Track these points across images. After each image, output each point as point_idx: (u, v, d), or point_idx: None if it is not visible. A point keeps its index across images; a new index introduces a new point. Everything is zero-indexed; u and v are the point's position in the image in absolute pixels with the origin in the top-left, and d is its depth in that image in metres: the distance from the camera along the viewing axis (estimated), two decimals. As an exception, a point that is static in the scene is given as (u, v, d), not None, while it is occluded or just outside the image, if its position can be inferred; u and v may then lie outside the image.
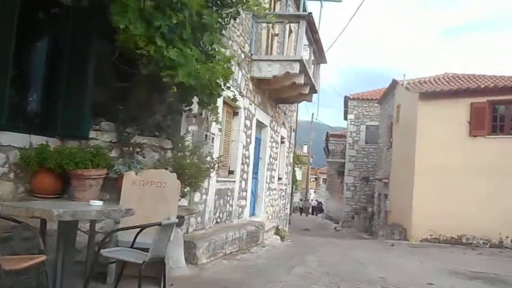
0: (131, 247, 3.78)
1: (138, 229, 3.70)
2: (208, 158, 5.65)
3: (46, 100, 5.06)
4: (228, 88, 5.52)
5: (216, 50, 5.35)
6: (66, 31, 5.04)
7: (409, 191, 12.90)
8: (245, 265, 6.08)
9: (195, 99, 5.49)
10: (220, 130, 6.73)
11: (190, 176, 4.93)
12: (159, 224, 3.36)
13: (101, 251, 3.45)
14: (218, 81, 5.10)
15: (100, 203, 3.61)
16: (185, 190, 5.11)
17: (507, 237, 11.82)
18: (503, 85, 12.53)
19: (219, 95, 5.43)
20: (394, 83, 16.65)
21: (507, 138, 12.06)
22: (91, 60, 5.17)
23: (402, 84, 15.18)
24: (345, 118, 25.37)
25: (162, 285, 3.79)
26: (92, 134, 5.11)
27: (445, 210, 12.05)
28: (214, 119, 6.30)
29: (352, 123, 24.41)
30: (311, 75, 10.45)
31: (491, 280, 6.64)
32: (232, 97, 6.06)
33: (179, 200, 5.02)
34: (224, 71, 5.18)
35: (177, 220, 3.80)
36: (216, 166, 5.50)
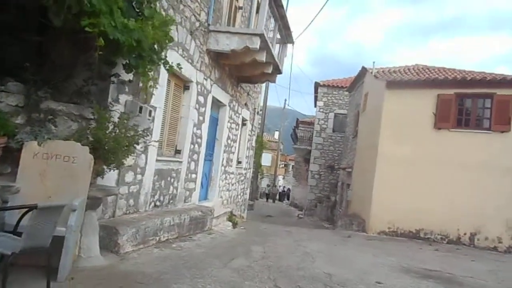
0: (13, 232, 3.05)
1: (24, 212, 2.98)
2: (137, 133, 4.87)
3: None
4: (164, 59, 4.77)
5: (152, 9, 4.57)
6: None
7: (370, 182, 12.57)
8: (178, 255, 5.43)
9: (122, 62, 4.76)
10: (145, 98, 5.86)
11: (108, 151, 4.19)
12: (35, 207, 2.64)
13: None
14: (151, 43, 4.36)
15: (-30, 177, 2.85)
16: (103, 167, 4.37)
17: (465, 234, 11.66)
18: (471, 77, 12.24)
19: (155, 61, 4.69)
20: (364, 71, 16.21)
21: (472, 132, 11.83)
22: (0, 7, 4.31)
23: (371, 72, 14.74)
24: (315, 105, 24.92)
25: (46, 282, 3.07)
26: (-5, 96, 4.27)
27: (405, 203, 11.78)
28: (150, 87, 5.53)
29: (321, 110, 24.00)
30: (274, 54, 9.76)
31: (445, 280, 6.28)
32: (171, 65, 5.23)
33: (94, 178, 4.30)
34: (157, 34, 4.42)
35: (65, 203, 3.07)
36: (141, 139, 4.74)
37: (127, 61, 4.38)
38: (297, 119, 32.16)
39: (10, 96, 4.31)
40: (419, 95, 12.25)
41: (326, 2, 20.22)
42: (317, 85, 24.33)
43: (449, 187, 11.60)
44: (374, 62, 15.01)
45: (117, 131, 4.48)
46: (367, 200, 12.59)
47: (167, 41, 4.71)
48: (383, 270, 6.39)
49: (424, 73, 13.80)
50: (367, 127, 14.63)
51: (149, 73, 4.72)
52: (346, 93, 21.82)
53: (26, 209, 2.92)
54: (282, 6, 9.40)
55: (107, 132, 4.35)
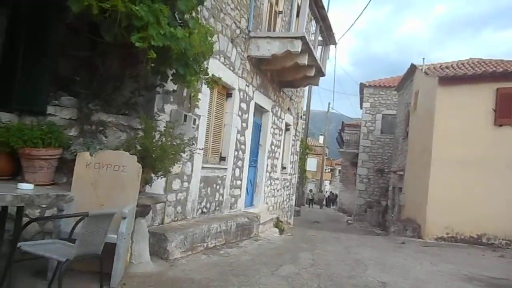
0: (68, 239, 3.18)
1: (78, 220, 3.11)
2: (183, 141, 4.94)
3: (2, 72, 4.49)
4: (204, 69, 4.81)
5: (194, 19, 4.62)
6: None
7: (424, 185, 11.97)
8: (226, 261, 5.43)
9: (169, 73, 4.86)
10: (189, 107, 5.93)
11: (155, 160, 4.28)
12: (86, 215, 2.72)
13: (21, 244, 2.85)
14: (195, 52, 4.41)
15: (29, 186, 3.03)
16: (151, 175, 4.47)
17: (532, 238, 10.81)
18: (533, 68, 11.38)
19: (197, 71, 4.74)
20: (413, 68, 15.57)
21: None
22: (51, 27, 4.57)
23: (421, 69, 14.14)
24: (361, 107, 24.33)
25: (99, 286, 3.16)
26: (51, 109, 4.51)
27: (464, 206, 11.08)
28: (193, 97, 5.62)
29: (368, 112, 23.34)
30: (316, 56, 9.64)
31: (510, 288, 5.83)
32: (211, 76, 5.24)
33: (143, 186, 4.41)
34: (204, 44, 4.48)
35: (115, 211, 3.14)
36: (187, 148, 4.80)
37: (175, 71, 4.42)
38: (342, 122, 31.55)
39: (63, 109, 4.53)
40: (476, 90, 11.54)
41: (369, 2, 19.76)
42: (362, 86, 23.75)
43: (513, 188, 10.79)
44: (424, 59, 14.42)
45: (164, 139, 4.58)
46: (422, 204, 12.01)
47: (211, 52, 4.75)
48: (443, 279, 6.01)
49: (480, 67, 12.98)
50: (419, 127, 14.02)
51: (195, 82, 4.77)
52: (394, 93, 21.12)
53: (79, 217, 3.03)
54: (323, 7, 9.27)
55: (154, 141, 4.45)
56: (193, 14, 4.70)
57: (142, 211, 4.32)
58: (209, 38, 4.71)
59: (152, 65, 4.02)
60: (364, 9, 36.25)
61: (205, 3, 5.75)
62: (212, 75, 5.11)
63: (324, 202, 41.14)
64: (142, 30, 3.73)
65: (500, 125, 11.21)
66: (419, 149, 13.43)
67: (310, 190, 38.56)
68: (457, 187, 11.30)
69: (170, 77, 4.55)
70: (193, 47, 4.28)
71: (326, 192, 46.37)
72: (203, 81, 5.24)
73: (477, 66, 13.20)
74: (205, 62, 4.88)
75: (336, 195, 43.09)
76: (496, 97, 11.27)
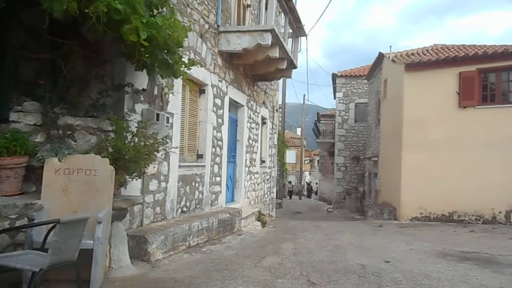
0: (41, 249, 3.08)
1: (50, 228, 3.01)
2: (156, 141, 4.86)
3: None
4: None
5: (170, 9, 4.54)
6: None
7: (397, 169, 12.27)
8: (209, 258, 5.40)
9: (135, 72, 4.77)
10: (161, 106, 5.91)
11: (129, 161, 4.20)
12: (58, 222, 2.64)
13: (-10, 257, 2.75)
14: (176, 39, 4.34)
15: (-5, 197, 2.90)
16: (126, 177, 4.39)
17: (500, 212, 11.23)
18: (492, 51, 11.76)
19: (180, 58, 4.65)
20: (381, 57, 15.85)
21: (498, 108, 11.37)
22: (8, 30, 4.39)
23: (389, 57, 14.41)
24: (334, 97, 24.59)
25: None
26: (13, 116, 4.31)
27: (435, 186, 11.44)
28: (168, 93, 5.55)
29: (341, 101, 23.64)
30: (287, 49, 9.66)
31: (483, 260, 6.03)
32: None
33: (118, 189, 4.33)
34: (181, 33, 4.42)
35: (88, 215, 3.07)
36: (161, 147, 4.73)
37: (162, 61, 4.31)
38: (318, 113, 31.84)
39: (27, 115, 4.36)
40: (440, 75, 11.88)
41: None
42: (334, 77, 24.00)
43: (480, 166, 11.20)
44: (390, 47, 14.69)
45: (136, 140, 4.50)
46: (396, 188, 12.31)
47: (183, 40, 4.67)
48: (418, 256, 6.19)
49: (444, 52, 13.37)
50: (389, 113, 14.31)
51: (181, 69, 4.68)
52: (365, 81, 21.44)
53: (51, 225, 2.94)
54: (290, -1, 9.29)
55: (126, 142, 4.36)
56: (167, 6, 4.62)
57: (119, 214, 4.23)
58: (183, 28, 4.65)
59: (146, 55, 3.96)
60: (330, 0, 36.23)
61: (170, -1, 5.65)
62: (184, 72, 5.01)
63: (306, 193, 41.51)
64: (125, 23, 3.66)
65: (464, 107, 11.59)
66: (391, 135, 13.72)
67: (289, 182, 38.82)
68: (427, 169, 11.63)
69: (157, 69, 4.46)
70: (174, 34, 4.23)
71: (308, 182, 46.75)
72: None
73: (441, 52, 13.56)
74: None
75: (311, 185, 43.59)
76: (459, 80, 11.63)
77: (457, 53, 12.58)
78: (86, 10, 3.44)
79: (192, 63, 4.98)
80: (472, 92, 11.49)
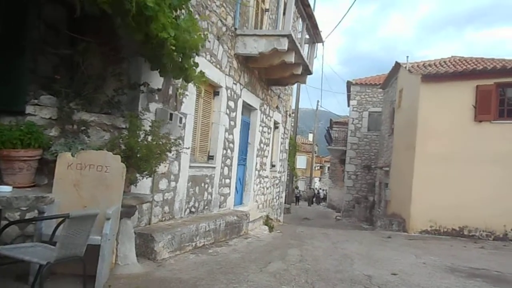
0: (50, 242, 3.11)
1: (59, 222, 3.04)
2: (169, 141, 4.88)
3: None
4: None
5: (189, 12, 4.57)
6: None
7: (408, 180, 12.13)
8: (215, 260, 5.40)
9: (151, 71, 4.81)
10: (175, 106, 5.94)
11: (140, 159, 4.23)
12: (67, 216, 2.67)
13: (-1, 248, 2.78)
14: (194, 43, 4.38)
15: (7, 188, 2.95)
16: (136, 175, 4.41)
17: (512, 230, 11.04)
18: (511, 66, 11.58)
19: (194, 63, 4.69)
20: (397, 66, 15.75)
21: (516, 123, 11.19)
22: (29, 24, 4.46)
23: (405, 67, 14.29)
24: (348, 105, 24.48)
25: (83, 289, 3.10)
26: (30, 109, 4.38)
27: (446, 200, 11.27)
28: (182, 94, 5.58)
29: (355, 109, 23.51)
30: (303, 54, 9.64)
31: (493, 278, 5.92)
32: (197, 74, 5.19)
33: (128, 186, 4.35)
34: (198, 38, 4.46)
35: (97, 211, 3.09)
36: (173, 148, 4.75)
37: (177, 62, 4.36)
38: (331, 119, 31.71)
39: (43, 109, 4.42)
40: (457, 87, 11.74)
41: (355, 1, 19.80)
42: (349, 84, 23.89)
43: (493, 182, 11.02)
44: (407, 57, 14.59)
45: (149, 138, 4.53)
46: (407, 199, 12.16)
47: (200, 47, 4.71)
48: (426, 271, 6.10)
49: (461, 65, 13.22)
50: (403, 124, 14.18)
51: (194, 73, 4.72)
52: (380, 90, 21.30)
53: (61, 219, 2.97)
54: (309, 5, 9.27)
55: (139, 140, 4.39)
56: (185, 9, 4.65)
57: (128, 211, 4.26)
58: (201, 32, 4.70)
59: (175, 53, 4.01)
60: (349, 8, 36.35)
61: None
62: (200, 71, 5.04)
63: (314, 199, 41.28)
64: (154, 20, 3.69)
65: (480, 121, 11.43)
66: (404, 145, 13.58)
67: (296, 187, 38.67)
68: (439, 182, 11.47)
69: (170, 71, 4.50)
70: (192, 38, 4.27)
71: (315, 189, 46.54)
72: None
73: (458, 64, 13.41)
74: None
75: (318, 193, 43.34)
76: (476, 94, 11.48)
77: (475, 66, 12.42)
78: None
79: (200, 77, 5.02)
80: (489, 106, 11.32)
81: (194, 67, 4.68)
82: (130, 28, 3.73)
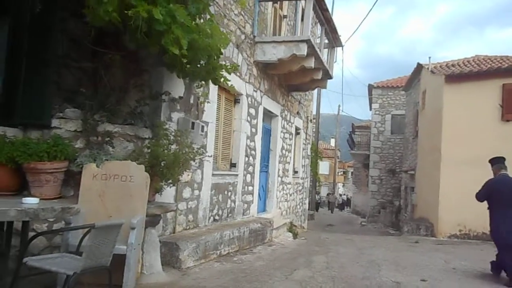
0: (76, 252, 3.16)
1: (85, 232, 3.08)
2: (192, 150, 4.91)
3: (4, 85, 4.50)
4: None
5: (210, 18, 4.61)
6: (25, 6, 4.46)
7: (435, 183, 11.80)
8: (239, 268, 5.37)
9: (176, 80, 4.87)
10: (197, 115, 5.98)
11: (165, 167, 4.26)
12: (92, 227, 2.70)
13: (27, 259, 2.83)
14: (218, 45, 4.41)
15: (34, 200, 3.01)
16: (161, 184, 4.45)
17: (547, 233, 10.55)
18: (540, 63, 11.20)
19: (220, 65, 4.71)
20: (420, 68, 15.46)
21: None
22: (53, 38, 4.58)
23: (428, 68, 14.02)
24: (370, 108, 24.18)
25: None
26: (55, 122, 4.46)
27: (475, 203, 10.82)
28: (203, 102, 5.63)
29: (377, 112, 23.19)
30: (323, 59, 9.58)
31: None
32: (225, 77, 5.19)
33: (153, 195, 4.39)
34: (223, 39, 4.48)
35: (122, 221, 3.11)
36: (197, 157, 4.77)
37: (203, 66, 4.40)
38: (352, 124, 31.36)
39: (68, 122, 4.50)
40: (482, 87, 11.39)
41: (375, 3, 19.65)
42: (370, 88, 23.62)
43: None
44: (430, 58, 14.33)
45: (173, 147, 4.57)
46: (434, 203, 11.84)
47: (224, 47, 4.73)
48: (457, 276, 5.90)
49: (486, 64, 12.84)
50: (428, 126, 13.87)
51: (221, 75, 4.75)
52: (402, 92, 20.95)
53: (87, 230, 3.01)
54: (327, 10, 9.22)
55: (164, 149, 4.43)
56: (206, 14, 4.68)
57: (152, 220, 4.29)
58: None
59: (188, 66, 4.06)
60: (368, 12, 36.30)
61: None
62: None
63: (336, 205, 40.68)
64: (166, 33, 3.72)
65: (507, 121, 11.06)
66: (429, 148, 13.26)
67: (317, 193, 38.24)
68: (467, 184, 10.97)
69: (199, 77, 4.54)
70: (214, 41, 4.29)
71: (339, 194, 45.95)
72: (211, 85, 5.27)
73: (483, 63, 13.04)
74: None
75: (340, 196, 42.59)
76: (502, 93, 11.13)
77: (500, 64, 12.06)
78: (128, 12, 3.49)
79: (234, 67, 5.03)
80: (516, 105, 10.94)
81: (222, 69, 4.70)
82: (142, 43, 3.76)
